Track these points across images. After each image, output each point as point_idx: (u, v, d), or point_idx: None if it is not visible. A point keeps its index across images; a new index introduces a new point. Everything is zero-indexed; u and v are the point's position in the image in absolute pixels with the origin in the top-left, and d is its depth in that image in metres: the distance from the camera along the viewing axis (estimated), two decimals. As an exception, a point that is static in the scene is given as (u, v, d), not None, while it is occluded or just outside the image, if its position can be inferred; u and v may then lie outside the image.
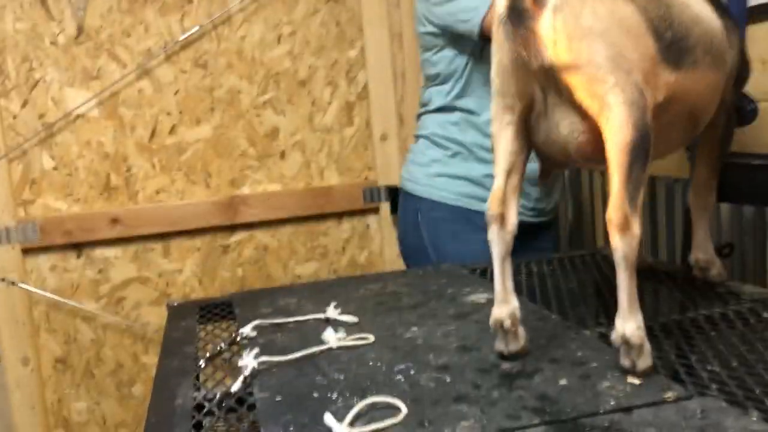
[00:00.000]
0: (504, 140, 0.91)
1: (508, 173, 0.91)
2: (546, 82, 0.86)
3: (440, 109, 1.68)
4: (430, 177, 1.67)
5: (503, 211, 0.91)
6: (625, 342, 0.83)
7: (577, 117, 0.85)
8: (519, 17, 0.82)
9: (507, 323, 0.91)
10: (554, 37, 0.82)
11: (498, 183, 0.92)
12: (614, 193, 0.82)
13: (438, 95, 1.67)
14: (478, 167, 1.63)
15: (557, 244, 1.87)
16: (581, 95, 0.83)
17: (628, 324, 0.83)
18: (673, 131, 1.03)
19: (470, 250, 1.52)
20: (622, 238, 0.82)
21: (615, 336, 0.85)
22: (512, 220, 0.92)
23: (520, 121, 0.90)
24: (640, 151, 0.82)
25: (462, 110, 1.64)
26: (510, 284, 0.93)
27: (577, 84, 0.83)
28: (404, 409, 0.79)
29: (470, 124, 1.64)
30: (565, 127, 0.87)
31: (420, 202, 1.68)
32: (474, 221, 1.58)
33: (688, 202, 1.25)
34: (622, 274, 0.83)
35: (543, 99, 0.87)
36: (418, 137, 1.77)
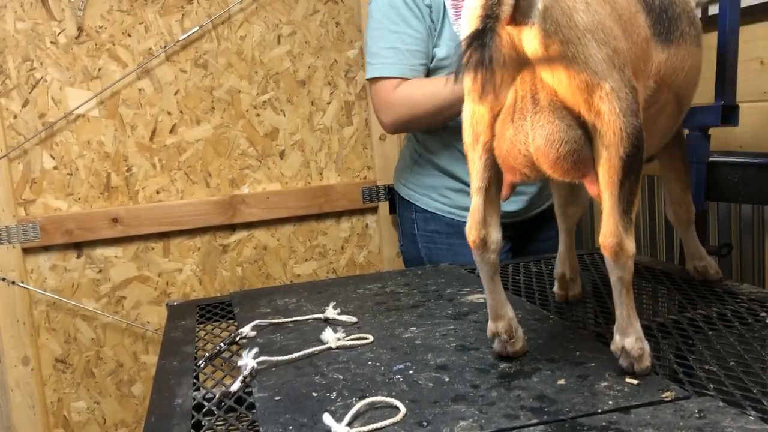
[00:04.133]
0: (477, 154, 0.86)
1: (486, 190, 0.86)
2: (522, 86, 0.80)
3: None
4: (426, 188, 1.67)
5: (484, 235, 0.87)
6: (625, 353, 0.84)
7: (558, 126, 0.79)
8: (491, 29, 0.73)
9: (504, 336, 0.91)
10: (544, 40, 0.76)
11: (475, 202, 0.87)
12: (607, 214, 0.79)
13: None
14: (454, 177, 1.63)
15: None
16: (571, 103, 0.78)
17: (628, 338, 0.83)
18: (660, 122, 0.99)
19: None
20: (617, 262, 0.81)
21: (614, 348, 0.85)
22: (494, 238, 0.88)
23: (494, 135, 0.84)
24: (634, 163, 0.78)
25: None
26: (502, 297, 0.91)
27: (567, 92, 0.77)
28: (403, 409, 0.80)
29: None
30: (540, 137, 0.80)
31: (417, 213, 1.68)
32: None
33: (670, 219, 1.22)
34: (617, 292, 0.83)
35: (513, 105, 0.81)
36: (407, 137, 1.76)
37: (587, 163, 0.80)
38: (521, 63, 0.79)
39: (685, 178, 1.17)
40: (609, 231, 0.79)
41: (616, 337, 0.84)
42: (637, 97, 0.79)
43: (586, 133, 0.79)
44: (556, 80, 0.77)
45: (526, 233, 1.70)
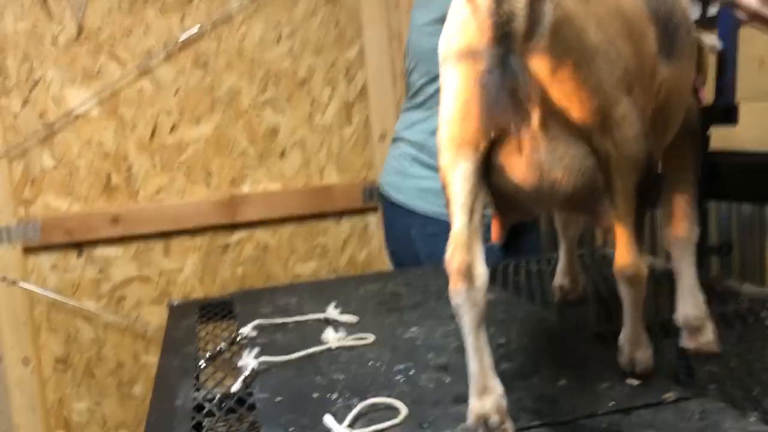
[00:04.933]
0: (461, 175, 0.73)
1: (471, 211, 0.73)
2: (531, 113, 0.71)
3: (427, 110, 1.62)
4: (421, 191, 1.62)
5: (469, 263, 0.71)
6: (634, 364, 0.84)
7: (575, 156, 0.72)
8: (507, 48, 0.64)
9: (494, 419, 0.70)
10: (553, 61, 0.68)
11: (459, 224, 0.72)
12: (624, 243, 0.77)
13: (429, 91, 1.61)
14: None
15: (538, 245, 1.81)
16: (584, 130, 0.71)
17: (638, 352, 0.83)
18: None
19: None
20: (632, 287, 0.80)
21: (623, 360, 0.84)
22: (481, 270, 0.71)
23: (482, 157, 0.72)
24: (646, 189, 0.76)
25: None
26: (489, 361, 0.72)
27: (580, 118, 0.71)
28: (404, 410, 0.80)
29: None
30: (559, 168, 0.72)
31: (412, 217, 1.63)
32: None
33: (666, 244, 1.03)
34: (630, 309, 0.82)
35: (519, 135, 0.71)
36: (399, 140, 1.71)
37: (598, 195, 0.75)
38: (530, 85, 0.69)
39: (695, 191, 0.99)
40: (628, 262, 0.77)
41: (625, 348, 0.84)
42: (645, 120, 0.75)
43: (597, 164, 0.74)
44: (568, 106, 0.70)
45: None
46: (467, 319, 0.70)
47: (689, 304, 0.95)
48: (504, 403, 0.72)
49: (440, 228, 1.61)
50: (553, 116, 0.70)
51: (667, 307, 1.17)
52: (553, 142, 0.71)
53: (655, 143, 0.88)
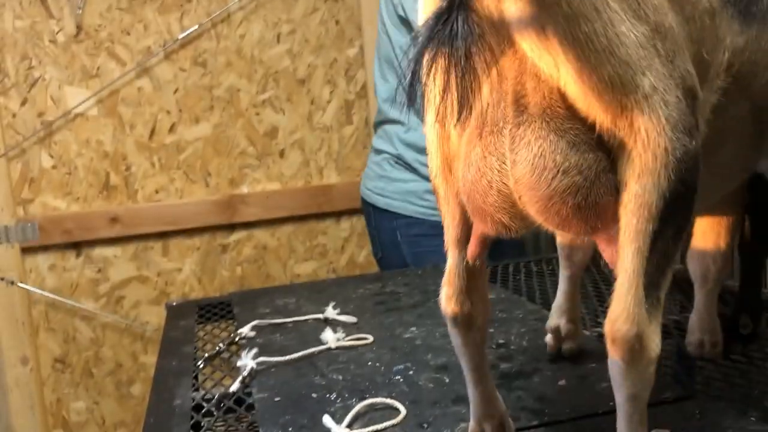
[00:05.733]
0: (453, 192, 0.60)
1: (465, 242, 0.62)
2: (500, 86, 0.53)
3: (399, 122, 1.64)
4: (405, 194, 1.62)
5: (468, 308, 0.62)
6: None
7: (553, 145, 0.52)
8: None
9: None
10: (539, 11, 0.49)
11: (451, 261, 0.62)
12: (624, 283, 0.51)
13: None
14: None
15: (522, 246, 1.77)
16: (584, 111, 0.51)
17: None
18: (726, 152, 0.65)
19: None
20: (630, 368, 0.52)
21: None
22: (480, 309, 0.64)
23: None
24: (679, 208, 0.51)
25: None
26: (492, 388, 0.68)
27: (578, 93, 0.51)
28: (403, 410, 0.79)
29: None
30: (525, 161, 0.53)
31: (397, 220, 1.64)
32: None
33: (690, 270, 0.91)
34: (626, 417, 0.54)
35: (483, 114, 0.54)
36: (379, 151, 1.71)
37: (602, 210, 0.52)
38: (499, 49, 0.51)
39: (735, 228, 0.84)
40: (622, 311, 0.51)
41: None
42: (694, 105, 0.52)
43: (605, 161, 0.52)
44: (562, 75, 0.50)
45: None
46: (467, 358, 0.65)
47: (708, 330, 0.89)
48: (508, 423, 0.69)
49: (423, 228, 1.63)
50: (533, 90, 0.52)
51: (669, 307, 1.16)
52: (524, 126, 0.52)
53: (746, 153, 0.67)
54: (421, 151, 1.59)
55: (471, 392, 0.67)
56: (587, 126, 0.52)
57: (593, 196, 0.52)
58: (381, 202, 1.67)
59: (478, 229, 0.61)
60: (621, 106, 0.50)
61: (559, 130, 0.52)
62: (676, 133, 0.50)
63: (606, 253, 0.55)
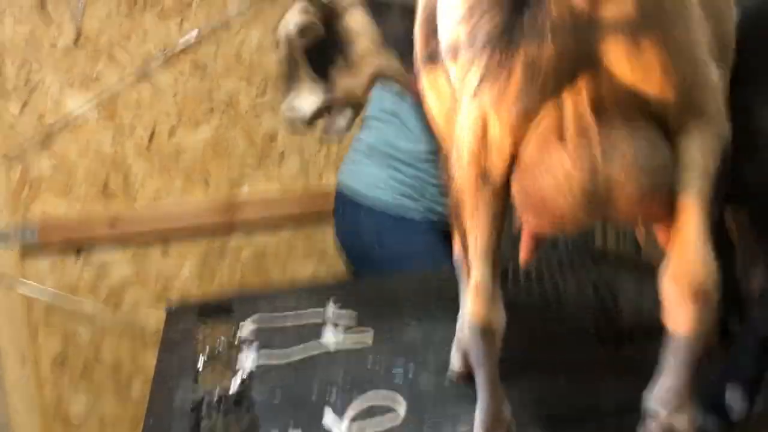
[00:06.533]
0: (485, 199, 0.60)
1: (495, 254, 0.62)
2: (576, 90, 0.54)
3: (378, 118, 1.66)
4: (378, 182, 1.64)
5: (493, 319, 0.64)
6: None
7: (642, 148, 0.55)
8: None
9: None
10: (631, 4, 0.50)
11: (482, 274, 0.62)
12: (700, 244, 0.57)
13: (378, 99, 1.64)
14: (407, 169, 1.62)
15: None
16: (660, 109, 0.55)
17: (680, 415, 0.63)
18: None
19: (414, 252, 1.56)
20: (701, 312, 0.58)
21: (657, 427, 0.64)
22: (501, 320, 0.65)
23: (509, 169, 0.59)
24: (722, 180, 0.59)
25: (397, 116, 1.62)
26: (502, 395, 0.69)
27: (657, 90, 0.54)
28: (403, 412, 0.79)
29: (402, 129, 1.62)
30: (618, 166, 0.55)
31: (364, 212, 1.65)
32: (412, 228, 1.59)
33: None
34: (684, 359, 0.61)
35: (559, 119, 0.55)
36: (359, 141, 1.73)
37: (670, 199, 0.58)
38: (579, 50, 0.52)
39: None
40: (701, 265, 0.57)
41: (661, 412, 0.64)
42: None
43: (671, 154, 0.57)
44: (646, 76, 0.53)
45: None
46: (486, 368, 0.66)
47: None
48: (514, 428, 0.70)
49: (389, 221, 1.63)
50: (611, 92, 0.54)
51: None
52: (610, 130, 0.55)
53: None
54: (392, 144, 1.62)
55: (483, 401, 0.67)
56: (663, 123, 0.56)
57: (668, 188, 0.57)
58: (354, 189, 1.68)
59: (534, 230, 0.64)
60: (696, 100, 0.55)
61: (642, 132, 0.55)
62: (726, 116, 0.58)
63: (662, 238, 0.61)
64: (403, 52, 1.03)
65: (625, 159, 0.55)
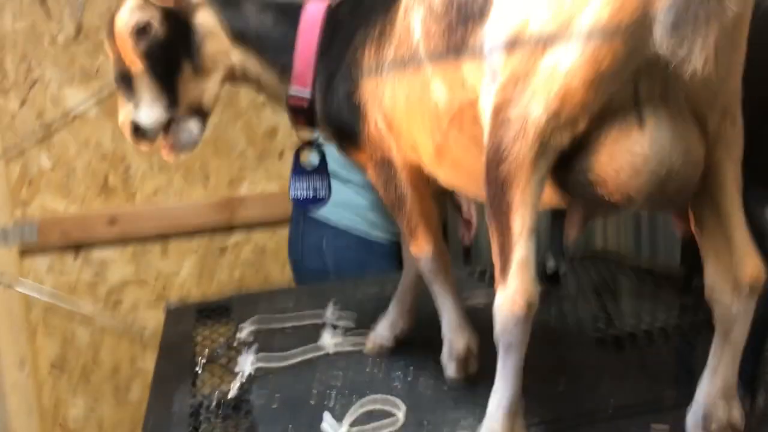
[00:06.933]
0: (538, 178, 0.64)
1: (536, 230, 0.66)
2: (648, 79, 0.61)
3: None
4: (339, 205, 1.58)
5: (536, 296, 0.67)
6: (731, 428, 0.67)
7: (694, 137, 0.63)
8: None
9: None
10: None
11: (529, 250, 0.65)
12: (746, 241, 0.66)
13: None
14: (365, 193, 1.59)
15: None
16: (706, 104, 0.63)
17: (735, 409, 0.67)
18: None
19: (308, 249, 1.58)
20: (749, 302, 0.65)
21: (717, 426, 0.66)
22: (537, 299, 0.68)
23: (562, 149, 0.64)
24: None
25: None
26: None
27: (705, 86, 0.61)
28: (402, 414, 0.79)
29: None
30: (680, 152, 0.62)
31: (325, 229, 1.62)
32: (373, 249, 1.58)
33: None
34: (734, 345, 0.67)
35: (635, 106, 0.62)
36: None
37: (693, 190, 0.65)
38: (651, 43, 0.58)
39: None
40: (750, 255, 0.65)
41: (719, 403, 0.67)
42: None
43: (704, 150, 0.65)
44: (706, 83, 0.60)
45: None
46: (519, 353, 0.68)
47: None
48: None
49: (350, 241, 1.61)
50: (675, 85, 0.61)
51: (667, 310, 1.16)
52: (674, 121, 0.62)
53: None
54: (347, 168, 1.53)
55: (508, 389, 0.69)
56: (702, 125, 0.63)
57: (696, 180, 0.64)
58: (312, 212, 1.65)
59: (582, 212, 0.69)
60: (729, 105, 0.64)
61: (693, 124, 0.63)
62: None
63: (680, 226, 0.72)
64: (263, 49, 0.99)
65: (685, 150, 0.62)
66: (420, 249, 0.92)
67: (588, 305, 1.19)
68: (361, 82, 0.88)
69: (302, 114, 0.99)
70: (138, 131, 0.98)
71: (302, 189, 1.11)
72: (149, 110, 0.97)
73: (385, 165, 0.90)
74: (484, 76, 0.67)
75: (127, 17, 0.95)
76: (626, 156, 0.62)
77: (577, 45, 0.59)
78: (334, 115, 0.95)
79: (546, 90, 0.61)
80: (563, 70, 0.60)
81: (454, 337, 0.92)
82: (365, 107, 0.88)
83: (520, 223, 0.64)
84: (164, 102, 0.97)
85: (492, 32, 0.66)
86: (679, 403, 0.76)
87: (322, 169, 1.09)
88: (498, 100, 0.64)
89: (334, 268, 1.60)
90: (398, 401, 0.82)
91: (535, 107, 0.62)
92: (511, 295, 0.65)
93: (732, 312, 0.66)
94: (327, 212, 1.61)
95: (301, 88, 0.97)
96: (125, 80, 0.97)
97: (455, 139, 0.76)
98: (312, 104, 0.97)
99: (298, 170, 1.10)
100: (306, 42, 0.96)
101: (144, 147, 1.01)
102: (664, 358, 0.93)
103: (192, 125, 1.00)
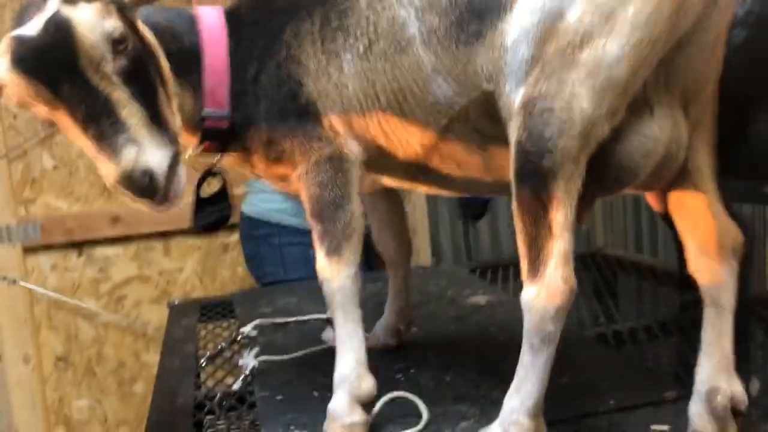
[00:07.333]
0: (581, 169, 0.65)
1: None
2: (657, 69, 0.67)
3: None
4: (280, 209, 1.65)
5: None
6: (734, 405, 0.68)
7: (684, 124, 0.70)
8: None
9: None
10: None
11: (569, 245, 0.65)
12: (719, 208, 0.71)
13: None
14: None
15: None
16: (692, 92, 0.70)
17: (736, 383, 0.69)
18: None
19: (291, 261, 1.57)
20: (736, 270, 0.70)
21: (721, 399, 0.67)
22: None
23: None
24: None
25: None
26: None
27: (695, 75, 0.69)
28: (405, 409, 0.80)
29: None
30: (677, 137, 0.69)
31: (275, 228, 1.65)
32: (292, 234, 1.59)
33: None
34: (727, 318, 0.69)
35: (646, 93, 0.67)
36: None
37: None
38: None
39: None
40: (729, 224, 0.71)
41: (722, 386, 0.69)
42: None
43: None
44: (696, 62, 0.68)
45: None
46: (553, 347, 0.67)
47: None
48: None
49: (299, 238, 1.56)
50: (673, 76, 0.67)
51: (667, 307, 1.17)
52: (673, 108, 0.68)
53: None
54: None
55: (536, 383, 0.68)
56: (688, 112, 0.69)
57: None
58: (262, 217, 1.68)
59: (594, 198, 0.71)
60: (708, 100, 0.70)
61: (681, 113, 0.68)
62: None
63: (655, 203, 0.74)
64: (174, 68, 0.80)
65: (679, 135, 0.68)
66: (340, 269, 0.80)
67: (588, 303, 1.19)
68: (307, 81, 0.78)
69: (217, 138, 0.86)
70: (152, 181, 0.77)
71: (207, 216, 0.99)
72: (158, 149, 0.77)
73: (333, 161, 0.79)
74: (507, 67, 0.65)
75: (96, 24, 0.73)
76: (641, 139, 0.66)
77: (621, 35, 0.61)
78: (265, 124, 0.83)
79: (590, 82, 0.62)
80: (608, 61, 0.62)
81: (359, 382, 0.78)
82: (315, 106, 0.79)
83: (563, 216, 0.64)
84: (168, 136, 0.77)
85: (519, 25, 0.65)
86: (679, 397, 0.77)
87: (223, 191, 0.98)
88: (531, 92, 0.64)
89: (289, 263, 1.60)
90: (401, 394, 0.83)
91: (580, 100, 0.62)
92: (550, 287, 0.64)
93: (720, 276, 0.69)
94: (266, 221, 1.65)
95: (217, 109, 0.83)
96: (98, 116, 0.76)
97: (455, 132, 0.74)
98: (232, 125, 0.84)
99: (201, 201, 0.99)
100: (213, 55, 0.82)
101: (160, 205, 0.81)
102: (665, 353, 0.93)
103: (180, 167, 0.80)
